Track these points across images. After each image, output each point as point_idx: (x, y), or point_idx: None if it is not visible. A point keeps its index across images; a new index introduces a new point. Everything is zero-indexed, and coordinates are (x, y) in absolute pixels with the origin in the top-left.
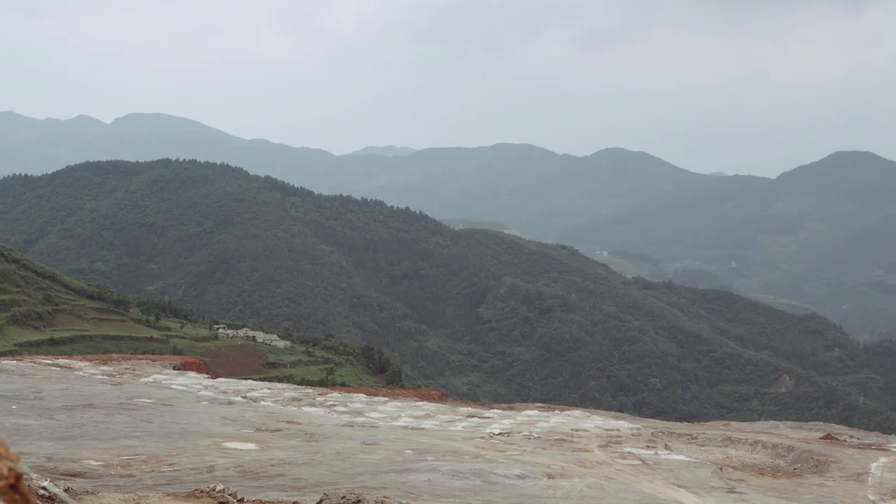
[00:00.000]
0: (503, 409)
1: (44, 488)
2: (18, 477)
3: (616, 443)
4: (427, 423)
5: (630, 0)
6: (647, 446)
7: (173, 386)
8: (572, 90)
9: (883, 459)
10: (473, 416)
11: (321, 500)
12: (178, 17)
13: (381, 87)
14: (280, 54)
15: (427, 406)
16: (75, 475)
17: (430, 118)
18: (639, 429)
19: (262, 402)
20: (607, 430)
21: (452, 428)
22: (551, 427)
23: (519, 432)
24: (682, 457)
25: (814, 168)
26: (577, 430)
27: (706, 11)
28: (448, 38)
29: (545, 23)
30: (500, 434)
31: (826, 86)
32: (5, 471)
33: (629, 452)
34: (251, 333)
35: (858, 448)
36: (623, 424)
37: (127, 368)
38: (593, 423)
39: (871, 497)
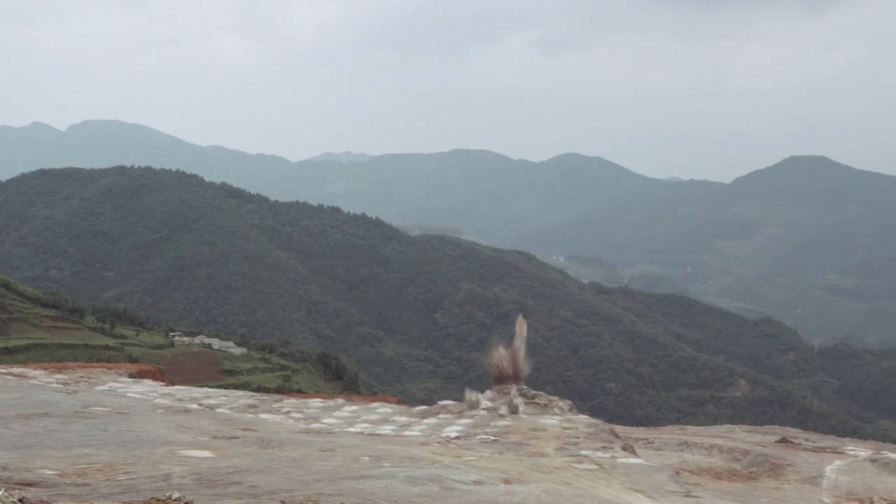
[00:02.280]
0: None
1: None
2: None
3: (573, 444)
4: (383, 429)
5: (589, 5)
6: (605, 447)
7: (129, 394)
8: (530, 96)
9: (838, 462)
10: (429, 417)
11: None
12: (134, 23)
13: (338, 93)
14: (237, 60)
15: (382, 409)
16: (30, 484)
17: (387, 124)
18: (597, 423)
19: (219, 410)
20: (565, 428)
21: (409, 433)
22: (508, 425)
23: (475, 434)
24: (638, 461)
25: (768, 173)
26: (535, 430)
27: (666, 16)
28: (407, 44)
29: (504, 28)
30: (456, 438)
31: (783, 91)
32: None
33: (586, 456)
34: (207, 340)
35: (814, 451)
36: (583, 419)
37: (82, 377)
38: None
39: (826, 500)
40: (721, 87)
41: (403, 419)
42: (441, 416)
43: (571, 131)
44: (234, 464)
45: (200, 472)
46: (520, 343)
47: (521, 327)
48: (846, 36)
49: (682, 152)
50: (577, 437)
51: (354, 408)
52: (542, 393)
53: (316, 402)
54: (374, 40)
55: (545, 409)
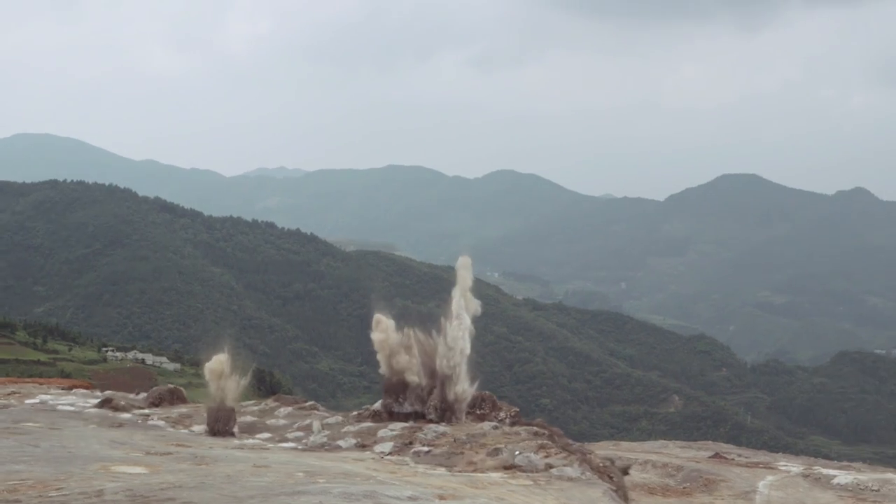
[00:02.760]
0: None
1: None
2: None
3: (511, 449)
4: (315, 439)
5: (525, 22)
6: (541, 453)
7: (59, 407)
8: (465, 112)
9: (770, 478)
10: (362, 432)
11: None
12: (67, 34)
13: (272, 108)
14: (171, 74)
15: (315, 423)
16: None
17: (322, 139)
18: (534, 429)
19: (150, 422)
20: (506, 433)
21: (343, 446)
22: (445, 430)
23: (410, 444)
24: (574, 472)
25: (701, 190)
26: (473, 435)
27: (599, 34)
28: (341, 59)
29: (440, 44)
30: (390, 454)
31: (716, 110)
32: None
33: (521, 470)
34: (141, 356)
35: (747, 466)
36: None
37: (13, 392)
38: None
39: None
40: (655, 105)
41: (337, 430)
42: (376, 428)
43: (506, 148)
44: (167, 480)
45: (133, 487)
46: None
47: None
48: (780, 56)
49: (617, 170)
50: (521, 439)
51: (287, 421)
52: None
53: (249, 418)
54: (309, 54)
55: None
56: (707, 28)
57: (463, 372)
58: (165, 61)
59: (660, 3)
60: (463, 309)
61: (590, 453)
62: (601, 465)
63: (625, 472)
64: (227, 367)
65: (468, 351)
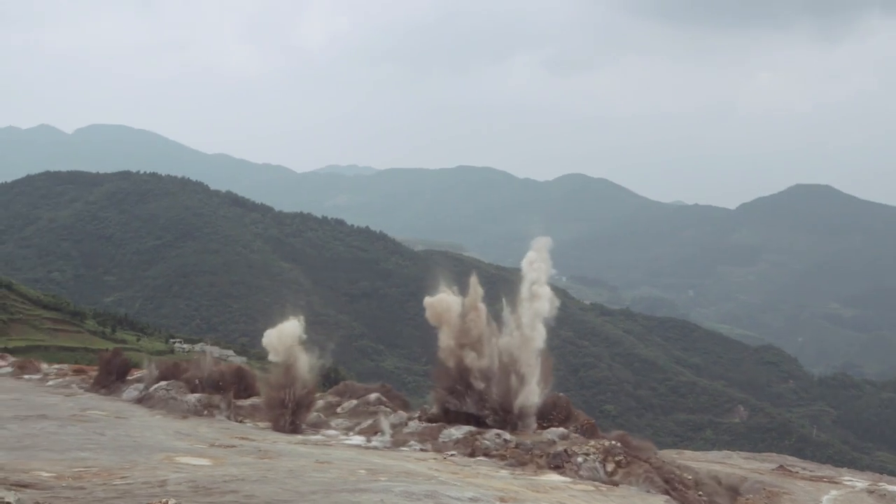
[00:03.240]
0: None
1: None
2: None
3: (572, 462)
4: (380, 441)
5: (600, 26)
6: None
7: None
8: (537, 115)
9: (834, 492)
10: (423, 433)
11: None
12: (145, 29)
13: (345, 106)
14: (246, 69)
15: (384, 422)
16: (26, 486)
17: (394, 138)
18: (607, 443)
19: (217, 418)
20: (573, 441)
21: (406, 447)
22: (509, 438)
23: (472, 453)
24: (636, 483)
25: (773, 200)
26: (539, 442)
27: (676, 40)
28: (416, 60)
29: (514, 47)
30: (453, 455)
31: (791, 118)
32: None
33: (582, 475)
34: (207, 348)
35: (811, 480)
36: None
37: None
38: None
39: None
40: (729, 112)
41: (403, 430)
42: (440, 432)
43: (577, 151)
44: (230, 472)
45: (196, 479)
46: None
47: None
48: (856, 65)
49: (688, 176)
50: (578, 453)
51: (353, 420)
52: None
53: (314, 414)
54: (385, 54)
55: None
56: (784, 37)
57: (534, 373)
58: (240, 58)
59: (736, 11)
60: (538, 296)
61: (662, 465)
62: (671, 476)
63: (734, 490)
64: (298, 334)
65: (541, 344)
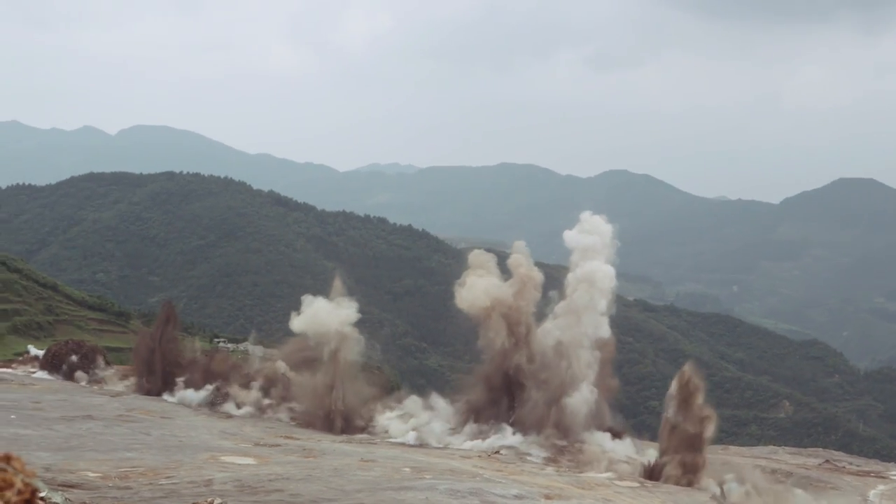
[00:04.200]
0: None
1: (42, 498)
2: (34, 492)
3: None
4: (427, 439)
5: (643, 22)
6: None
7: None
8: (579, 111)
9: (881, 487)
10: (475, 434)
11: None
12: (186, 29)
13: (387, 104)
14: (288, 69)
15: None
16: (73, 486)
17: (435, 136)
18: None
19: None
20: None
21: (453, 444)
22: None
23: (527, 452)
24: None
25: (817, 194)
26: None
27: (718, 34)
28: (458, 57)
29: (557, 43)
30: (496, 453)
31: (834, 112)
32: (21, 485)
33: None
34: (252, 347)
35: (857, 475)
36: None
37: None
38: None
39: None
40: (772, 106)
41: (446, 428)
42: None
43: (619, 148)
44: (275, 471)
45: (242, 478)
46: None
47: None
48: None
49: (731, 171)
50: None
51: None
52: None
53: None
54: (426, 52)
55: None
56: (828, 30)
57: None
58: (282, 58)
59: (779, 6)
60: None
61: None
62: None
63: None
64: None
65: (599, 334)
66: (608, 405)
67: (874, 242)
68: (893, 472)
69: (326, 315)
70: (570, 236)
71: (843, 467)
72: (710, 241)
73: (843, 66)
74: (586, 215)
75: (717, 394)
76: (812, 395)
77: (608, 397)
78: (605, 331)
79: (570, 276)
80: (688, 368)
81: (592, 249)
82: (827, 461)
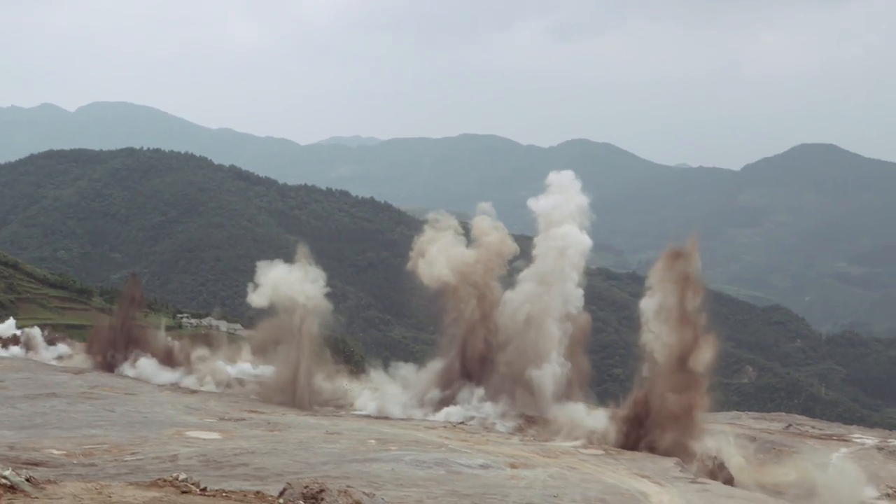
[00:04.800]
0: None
1: (4, 477)
2: None
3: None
4: (391, 410)
5: None
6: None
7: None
8: (541, 81)
9: (844, 450)
10: (440, 405)
11: (284, 490)
12: (146, 4)
13: (348, 77)
14: (248, 43)
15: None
16: (37, 464)
17: (397, 108)
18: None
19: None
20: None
21: (416, 415)
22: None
23: (486, 417)
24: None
25: (777, 160)
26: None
27: (682, 2)
28: (420, 29)
29: (519, 13)
30: (461, 423)
31: (795, 78)
32: None
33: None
34: (215, 323)
35: (820, 439)
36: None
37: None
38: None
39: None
40: (733, 74)
41: (412, 400)
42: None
43: (581, 117)
44: (240, 445)
45: (207, 453)
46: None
47: None
48: (863, 23)
49: (692, 139)
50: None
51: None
52: None
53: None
54: (387, 24)
55: None
56: None
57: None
58: (242, 32)
59: None
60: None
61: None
62: None
63: None
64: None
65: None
66: (581, 379)
67: (835, 208)
68: (856, 435)
69: (289, 287)
70: (538, 201)
71: (806, 431)
72: (672, 209)
73: (803, 33)
74: (553, 175)
75: None
76: (775, 360)
77: (580, 379)
78: (576, 303)
79: (539, 242)
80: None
81: (561, 211)
82: (790, 425)
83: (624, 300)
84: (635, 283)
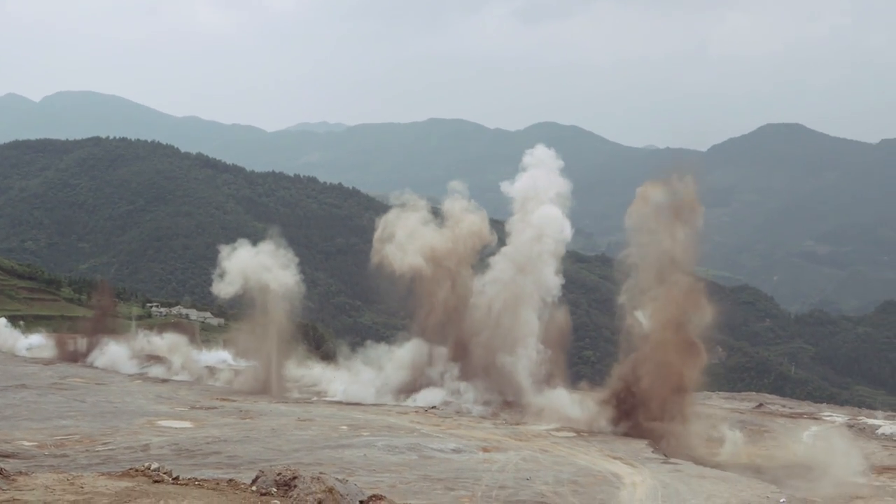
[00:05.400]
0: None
1: None
2: None
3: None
4: (363, 396)
5: None
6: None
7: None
8: (508, 65)
9: (815, 428)
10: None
11: (257, 477)
12: None
13: (315, 63)
14: (215, 30)
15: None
16: (8, 456)
17: (364, 94)
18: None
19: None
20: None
21: (389, 401)
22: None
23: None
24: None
25: (744, 140)
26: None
27: None
28: (387, 13)
29: None
30: (433, 408)
31: (762, 59)
32: None
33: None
34: (185, 311)
35: (791, 417)
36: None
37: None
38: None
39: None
40: (700, 55)
41: (383, 386)
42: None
43: (549, 100)
44: (212, 434)
45: (179, 442)
46: None
47: None
48: (829, 3)
49: (660, 121)
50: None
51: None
52: None
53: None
54: (354, 9)
55: None
56: None
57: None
58: (208, 18)
59: None
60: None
61: None
62: None
63: None
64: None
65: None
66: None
67: (802, 186)
68: (826, 413)
69: (257, 272)
70: (513, 181)
71: (777, 410)
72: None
73: (770, 13)
74: (529, 154)
75: None
76: (744, 340)
77: (558, 365)
78: (554, 291)
79: (515, 224)
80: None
81: (539, 191)
82: (761, 405)
83: (594, 282)
84: (605, 266)
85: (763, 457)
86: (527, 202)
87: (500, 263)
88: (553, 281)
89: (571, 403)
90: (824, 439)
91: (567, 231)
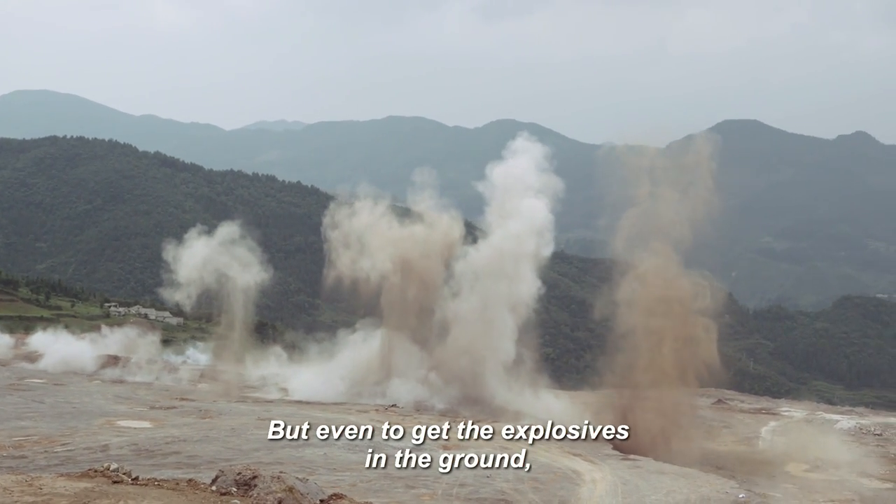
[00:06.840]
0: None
1: None
2: None
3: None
4: (325, 395)
5: None
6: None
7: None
8: (468, 62)
9: (773, 423)
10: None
11: (217, 477)
12: None
13: (272, 60)
14: (172, 27)
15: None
16: None
17: (322, 91)
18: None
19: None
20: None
21: (352, 396)
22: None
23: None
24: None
25: (702, 137)
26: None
27: None
28: (346, 10)
29: None
30: (393, 406)
31: (721, 56)
32: None
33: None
34: (143, 311)
35: (749, 413)
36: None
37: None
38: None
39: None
40: (659, 52)
41: (345, 386)
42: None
43: (508, 97)
44: (172, 434)
45: (138, 442)
46: None
47: None
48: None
49: (619, 118)
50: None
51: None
52: None
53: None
54: (312, 6)
55: None
56: None
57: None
58: (164, 15)
59: None
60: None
61: None
62: None
63: None
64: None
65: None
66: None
67: (759, 182)
68: (784, 408)
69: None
70: (493, 169)
71: (736, 406)
72: (598, 188)
73: (729, 8)
74: (511, 145)
75: (611, 339)
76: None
77: (532, 366)
78: (532, 291)
79: (493, 219)
80: None
81: (519, 182)
82: (720, 400)
83: (553, 279)
84: (563, 262)
85: (722, 452)
86: (507, 195)
87: (475, 260)
88: (532, 280)
89: (561, 406)
90: (783, 434)
91: (549, 228)
